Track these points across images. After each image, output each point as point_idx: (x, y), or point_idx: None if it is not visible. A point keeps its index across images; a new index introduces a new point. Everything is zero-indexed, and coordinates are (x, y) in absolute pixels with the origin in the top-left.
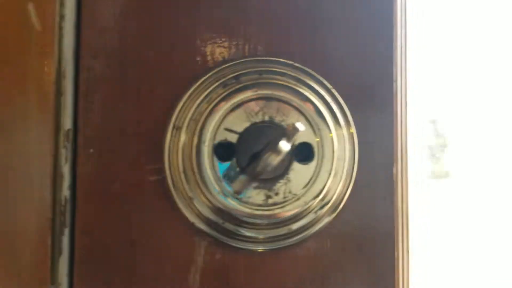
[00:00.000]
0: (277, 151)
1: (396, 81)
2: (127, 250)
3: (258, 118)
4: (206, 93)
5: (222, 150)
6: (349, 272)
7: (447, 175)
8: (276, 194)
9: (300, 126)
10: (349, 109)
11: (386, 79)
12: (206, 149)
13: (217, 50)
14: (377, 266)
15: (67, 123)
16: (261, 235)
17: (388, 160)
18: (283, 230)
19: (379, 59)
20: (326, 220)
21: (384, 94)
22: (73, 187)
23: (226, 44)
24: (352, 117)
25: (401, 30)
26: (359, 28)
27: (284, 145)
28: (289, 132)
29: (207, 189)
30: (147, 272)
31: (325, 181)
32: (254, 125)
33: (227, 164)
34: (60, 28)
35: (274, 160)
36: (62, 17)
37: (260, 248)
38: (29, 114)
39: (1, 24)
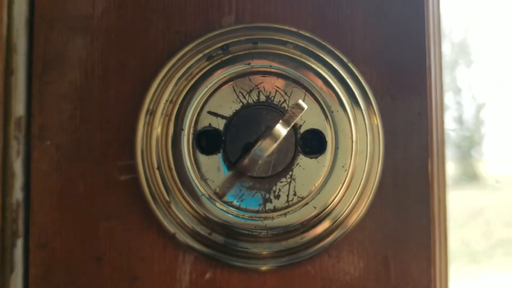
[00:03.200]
0: (271, 137)
1: (429, 55)
2: (93, 267)
3: (252, 99)
4: (186, 67)
5: (207, 140)
6: None
7: (477, 177)
8: (277, 197)
9: (303, 104)
10: (371, 90)
11: (417, 52)
12: (186, 139)
13: (202, 14)
14: (408, 285)
15: (18, 108)
16: (263, 249)
17: (421, 153)
18: (290, 243)
19: (408, 29)
20: (344, 229)
21: (416, 70)
22: (27, 188)
23: (211, 7)
24: (376, 100)
25: None
26: None
27: (281, 129)
28: (288, 112)
29: (187, 191)
30: None
31: (341, 180)
32: (246, 108)
33: (211, 158)
34: None
35: (265, 149)
36: None
37: (263, 266)
38: None
39: None
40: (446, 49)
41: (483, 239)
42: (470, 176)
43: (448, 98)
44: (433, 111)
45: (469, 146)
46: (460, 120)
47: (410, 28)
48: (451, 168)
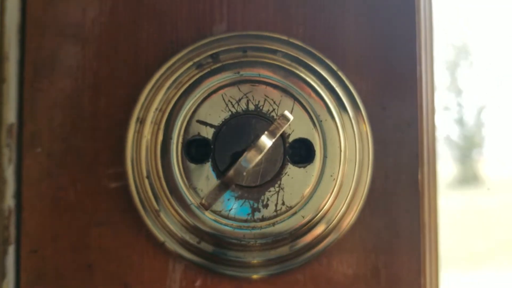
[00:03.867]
0: (255, 149)
1: (420, 63)
2: (84, 274)
3: (241, 108)
4: (175, 76)
5: (196, 149)
6: None
7: (477, 179)
8: (265, 206)
9: (289, 115)
10: (361, 98)
11: (408, 61)
12: (174, 148)
13: (192, 23)
14: None
15: (10, 116)
16: (252, 258)
17: (412, 162)
18: (279, 252)
19: (398, 37)
20: (334, 237)
21: (406, 79)
22: (19, 195)
23: (203, 15)
24: (365, 108)
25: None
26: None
27: (266, 141)
28: (274, 124)
29: (176, 200)
30: None
31: (330, 189)
32: (235, 117)
33: (200, 167)
34: (2, 0)
35: (250, 161)
36: None
37: (253, 275)
38: None
39: None
40: (447, 50)
41: (483, 240)
42: (471, 178)
43: (449, 100)
44: (423, 120)
45: (469, 148)
46: (461, 122)
47: (402, 38)
48: (452, 169)
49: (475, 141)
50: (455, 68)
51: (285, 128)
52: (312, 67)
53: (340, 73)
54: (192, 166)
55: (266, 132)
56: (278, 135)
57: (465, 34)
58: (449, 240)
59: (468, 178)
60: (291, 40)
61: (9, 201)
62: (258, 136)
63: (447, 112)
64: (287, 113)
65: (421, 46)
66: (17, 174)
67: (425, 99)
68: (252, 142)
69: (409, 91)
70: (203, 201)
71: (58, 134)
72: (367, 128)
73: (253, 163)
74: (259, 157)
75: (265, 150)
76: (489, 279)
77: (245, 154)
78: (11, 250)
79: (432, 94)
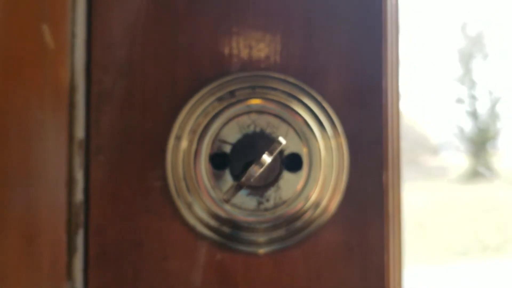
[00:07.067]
0: (259, 163)
1: (385, 90)
2: (136, 250)
3: (250, 130)
4: (203, 107)
5: (218, 160)
6: (341, 271)
7: (491, 172)
8: (267, 200)
9: (282, 140)
10: (340, 118)
11: (374, 89)
12: (203, 159)
13: (214, 65)
14: (368, 266)
15: (80, 133)
16: (259, 237)
17: (378, 167)
18: (278, 233)
19: (367, 73)
20: (319, 223)
21: (373, 103)
22: (87, 191)
23: (223, 59)
24: (343, 126)
25: (391, 38)
26: (350, 43)
27: (266, 158)
28: (272, 146)
29: (204, 196)
30: (154, 270)
31: (313, 188)
32: (246, 137)
33: (221, 172)
34: (72, 45)
35: (256, 171)
36: (73, 35)
37: (259, 250)
38: (46, 124)
39: (18, 44)
40: (460, 42)
41: (496, 233)
42: (484, 171)
43: (462, 92)
44: (389, 135)
45: (483, 141)
46: (474, 115)
47: (371, 73)
48: (464, 162)
49: (489, 134)
50: (469, 60)
51: (279, 149)
52: (301, 100)
53: (323, 104)
54: (216, 171)
55: (266, 152)
56: (275, 154)
57: (480, 24)
58: (466, 233)
59: (482, 171)
60: (287, 79)
61: (79, 196)
62: (262, 152)
63: (460, 105)
64: (281, 138)
65: (388, 78)
66: (85, 176)
67: (390, 119)
68: (257, 156)
69: (376, 116)
70: (224, 197)
71: (116, 146)
72: (342, 142)
73: (258, 174)
74: (261, 170)
75: (266, 165)
76: (501, 269)
77: (252, 166)
78: (80, 232)
79: (397, 112)
